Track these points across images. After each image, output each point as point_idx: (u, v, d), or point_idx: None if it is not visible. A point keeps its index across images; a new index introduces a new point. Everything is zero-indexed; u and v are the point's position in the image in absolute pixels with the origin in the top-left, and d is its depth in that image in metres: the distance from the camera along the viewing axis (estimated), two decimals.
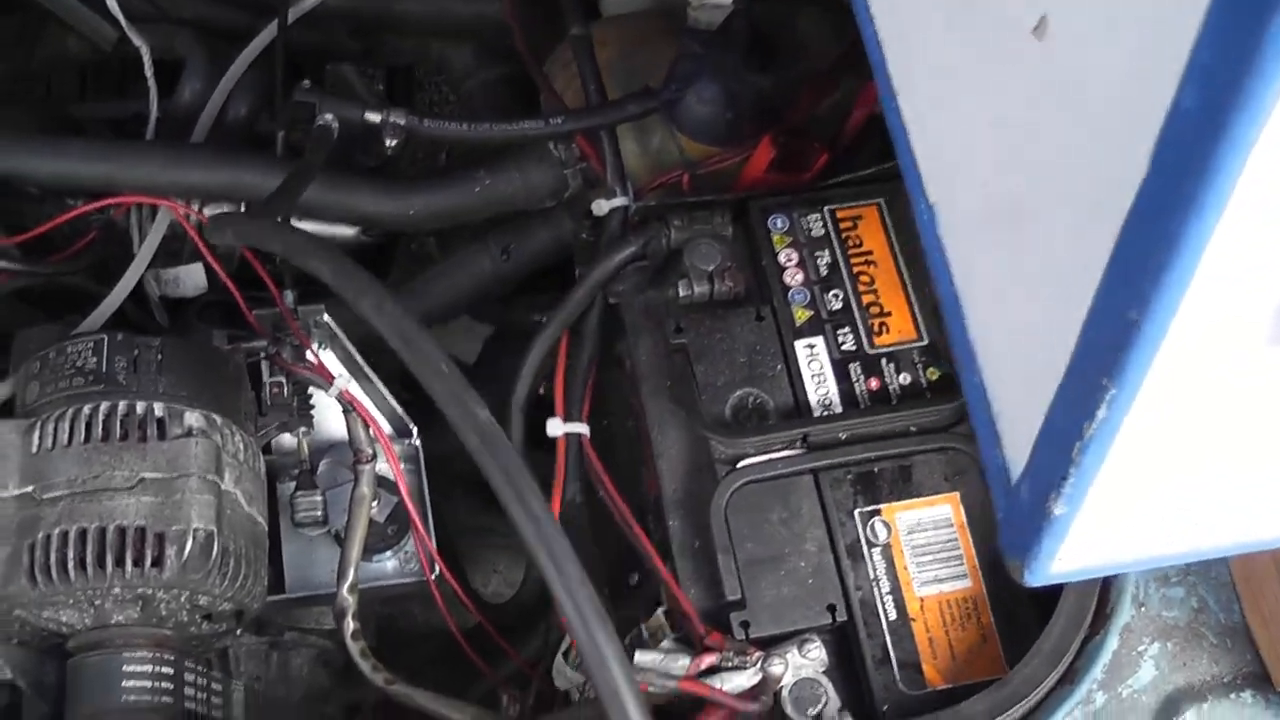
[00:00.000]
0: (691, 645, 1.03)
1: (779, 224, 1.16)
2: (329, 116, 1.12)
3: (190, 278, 1.38)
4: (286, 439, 1.24)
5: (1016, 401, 0.64)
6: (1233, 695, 0.94)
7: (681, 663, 1.00)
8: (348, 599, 1.14)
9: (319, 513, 1.18)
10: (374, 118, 1.13)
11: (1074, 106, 0.55)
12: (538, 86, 1.35)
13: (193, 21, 1.39)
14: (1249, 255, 0.49)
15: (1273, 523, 0.64)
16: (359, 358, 1.24)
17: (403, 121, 1.12)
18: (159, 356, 1.10)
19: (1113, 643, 0.95)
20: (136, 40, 1.31)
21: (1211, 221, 0.48)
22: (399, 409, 1.26)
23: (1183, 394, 0.54)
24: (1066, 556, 0.63)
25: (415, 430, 1.26)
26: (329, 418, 1.24)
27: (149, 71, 1.32)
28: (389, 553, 1.24)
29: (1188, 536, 0.64)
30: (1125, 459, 0.57)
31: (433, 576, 1.21)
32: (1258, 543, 0.68)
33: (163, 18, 1.38)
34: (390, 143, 1.13)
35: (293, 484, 1.21)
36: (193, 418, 1.08)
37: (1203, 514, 0.62)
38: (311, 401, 1.21)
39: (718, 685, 0.99)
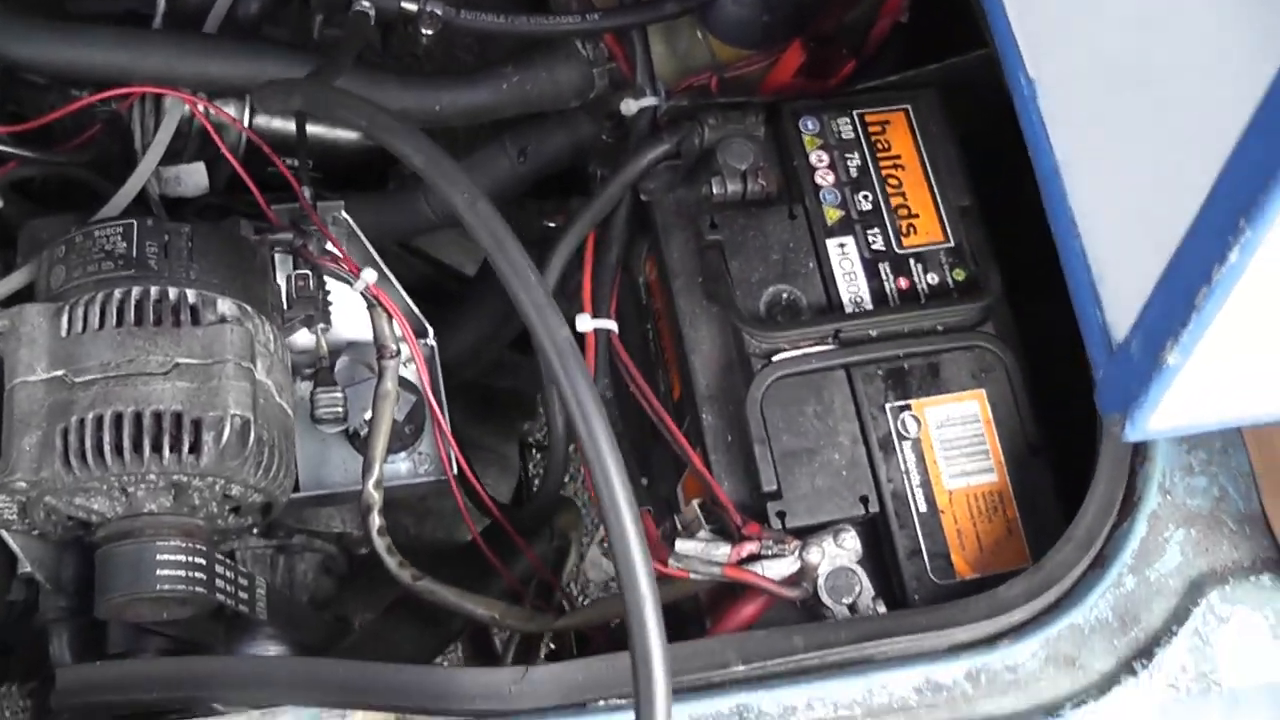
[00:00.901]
0: (728, 536, 1.05)
1: (810, 126, 1.18)
2: (366, 3, 1.10)
3: (191, 176, 1.35)
4: (298, 337, 1.23)
5: (1127, 260, 0.66)
6: (1252, 579, 0.98)
7: (723, 550, 1.02)
8: (373, 494, 1.14)
9: (340, 409, 1.18)
10: (410, 6, 1.12)
11: None
12: None
13: None
14: None
15: None
16: (376, 255, 1.24)
17: (439, 11, 1.12)
18: (189, 243, 1.09)
19: (1140, 529, 0.99)
20: None
21: None
22: (415, 308, 1.25)
23: None
24: (1168, 411, 0.65)
25: (431, 330, 1.26)
26: (340, 317, 1.23)
27: None
28: (404, 454, 1.24)
29: None
30: (1246, 306, 0.59)
31: (453, 474, 1.21)
32: None
33: None
34: (426, 33, 1.12)
35: (306, 382, 1.20)
36: (225, 305, 1.07)
37: None
38: (330, 297, 1.20)
39: (759, 572, 1.01)
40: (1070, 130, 0.69)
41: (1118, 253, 0.67)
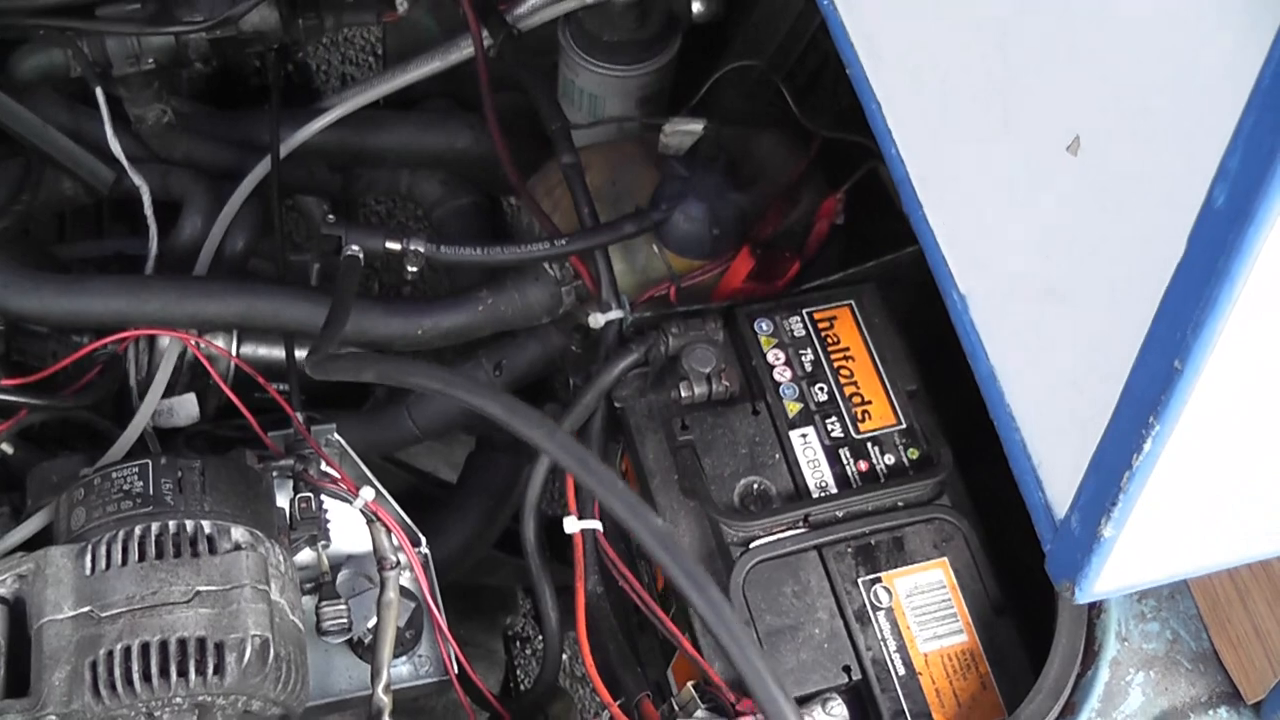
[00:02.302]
0: (723, 713, 1.12)
1: (764, 327, 1.29)
2: (355, 248, 1.21)
3: (183, 408, 1.44)
4: (301, 555, 1.30)
5: (1059, 449, 0.77)
6: (1210, 712, 1.07)
7: None
8: (383, 699, 1.20)
9: (345, 620, 1.24)
10: (394, 246, 1.22)
11: (1110, 206, 0.68)
12: (513, 211, 1.46)
13: (182, 161, 1.47)
14: (1270, 311, 0.63)
15: None
16: (368, 471, 1.32)
17: (422, 249, 1.22)
18: (201, 477, 1.16)
19: (1104, 675, 1.07)
20: (138, 180, 1.39)
21: (1240, 285, 0.62)
22: (407, 519, 1.33)
23: (1216, 425, 0.67)
24: (1111, 575, 0.75)
25: (424, 539, 1.34)
26: (337, 532, 1.31)
27: (148, 210, 1.40)
28: (404, 658, 1.30)
29: (1220, 548, 0.77)
30: (1164, 482, 0.70)
31: (455, 675, 1.28)
32: None
33: (154, 158, 1.46)
34: (411, 269, 1.23)
35: (308, 596, 1.27)
36: (238, 533, 1.14)
37: (1233, 527, 0.75)
38: (328, 516, 1.28)
39: None
40: (1000, 339, 0.80)
41: (1052, 444, 0.78)
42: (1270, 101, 0.55)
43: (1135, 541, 0.73)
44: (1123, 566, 0.75)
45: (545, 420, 0.92)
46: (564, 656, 1.51)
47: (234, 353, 1.42)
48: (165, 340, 1.34)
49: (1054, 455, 0.78)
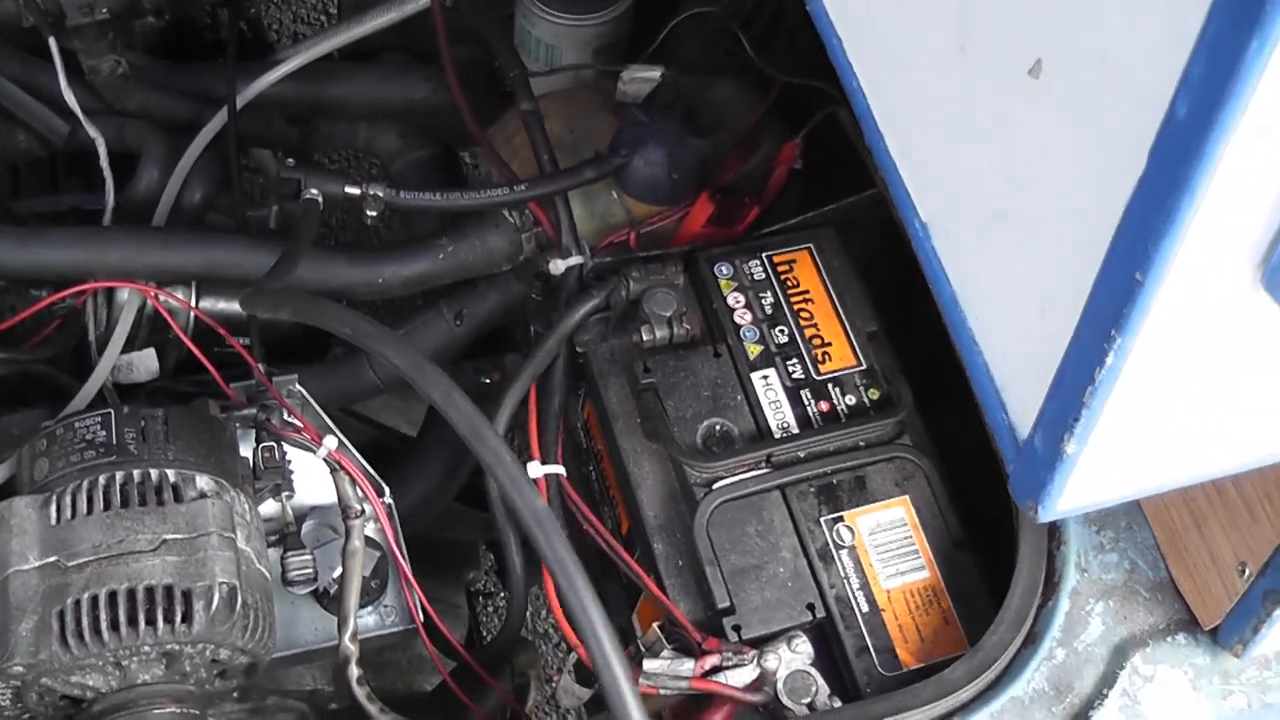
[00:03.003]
0: (689, 652, 1.13)
1: (724, 270, 1.30)
2: (314, 191, 1.20)
3: (143, 362, 1.43)
4: (265, 505, 1.30)
5: (1021, 369, 0.78)
6: (1169, 639, 1.09)
7: (687, 666, 1.11)
8: (350, 647, 1.21)
9: (310, 570, 1.24)
10: (354, 190, 1.22)
11: (1071, 126, 0.69)
12: (471, 164, 1.46)
13: (137, 113, 1.46)
14: (1229, 220, 0.64)
15: (1255, 447, 0.79)
16: (329, 422, 1.32)
17: (381, 194, 1.22)
18: (165, 426, 1.16)
19: (1064, 605, 1.10)
20: (93, 132, 1.37)
21: (1200, 197, 0.63)
22: (370, 470, 1.33)
23: (1174, 336, 0.69)
24: (1073, 492, 0.76)
25: (388, 489, 1.34)
26: (301, 482, 1.30)
27: (104, 162, 1.38)
28: (369, 608, 1.30)
29: (1179, 465, 0.78)
30: (1125, 397, 0.71)
31: (421, 624, 1.28)
32: (1240, 466, 0.82)
33: (109, 110, 1.44)
34: (371, 214, 1.23)
35: (273, 549, 1.27)
36: (203, 481, 1.14)
37: (1191, 443, 0.77)
38: (291, 467, 1.28)
39: (723, 682, 1.10)
40: (961, 264, 0.81)
41: (1015, 364, 0.79)
42: (1231, 6, 0.56)
43: (1097, 458, 0.75)
44: (1085, 484, 0.77)
45: (446, 379, 0.94)
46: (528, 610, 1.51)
47: (194, 305, 1.41)
48: (124, 293, 1.33)
49: (1017, 376, 0.79)
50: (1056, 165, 0.72)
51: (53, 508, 1.09)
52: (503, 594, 2.09)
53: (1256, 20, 0.56)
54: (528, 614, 1.87)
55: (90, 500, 1.09)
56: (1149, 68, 0.63)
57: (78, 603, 1.05)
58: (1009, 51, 0.73)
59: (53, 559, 1.07)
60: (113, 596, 1.05)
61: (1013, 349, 0.79)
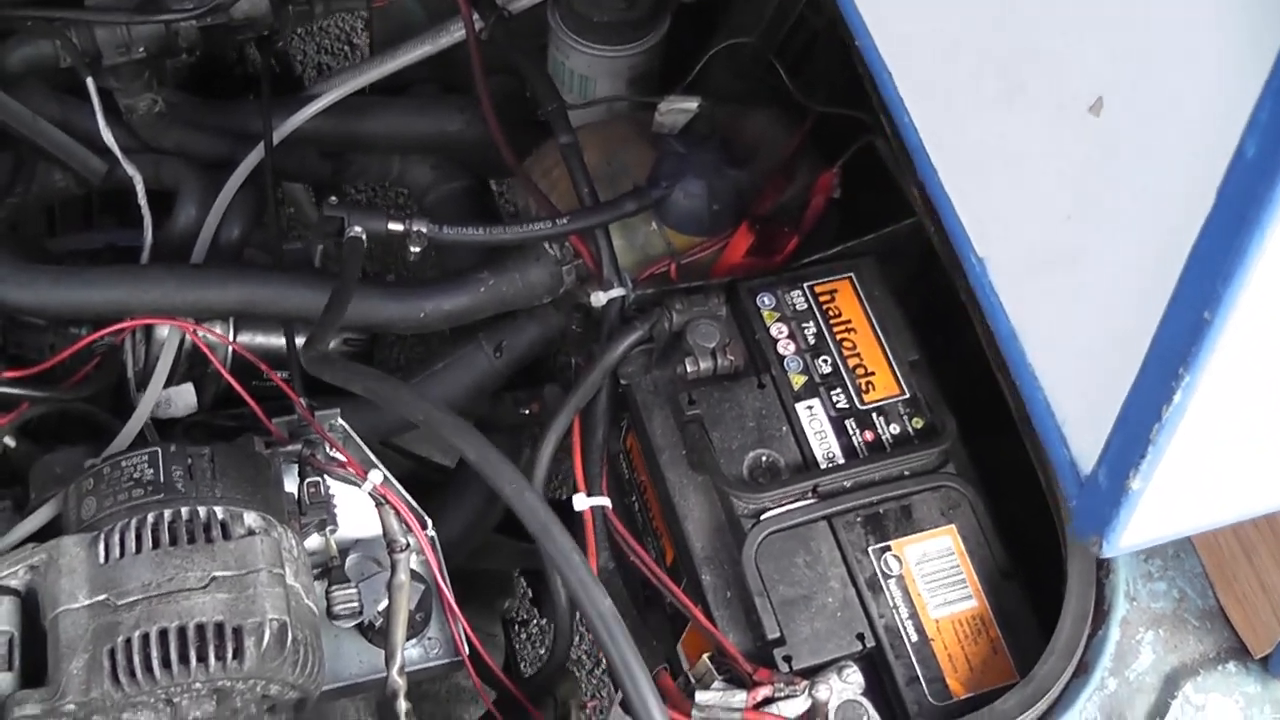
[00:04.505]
0: (740, 683, 1.13)
1: (766, 301, 1.30)
2: (358, 229, 1.21)
3: (181, 398, 1.44)
4: (309, 540, 1.30)
5: (1084, 405, 0.78)
6: (1219, 668, 1.09)
7: (739, 698, 1.10)
8: (398, 680, 1.21)
9: (356, 604, 1.24)
10: (397, 227, 1.22)
11: (1134, 164, 0.70)
12: (504, 195, 1.46)
13: (174, 150, 1.47)
14: None
15: None
16: (373, 456, 1.32)
17: (425, 229, 1.22)
18: (211, 464, 1.16)
19: (1115, 634, 1.09)
20: (130, 170, 1.38)
21: (1268, 235, 0.63)
22: (414, 502, 1.33)
23: (1240, 373, 0.69)
24: (1136, 529, 0.76)
25: (430, 522, 1.34)
26: (344, 516, 1.31)
27: (142, 200, 1.39)
28: (413, 641, 1.30)
29: (1240, 500, 0.78)
30: (1191, 434, 0.71)
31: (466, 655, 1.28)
32: None
33: (145, 148, 1.45)
34: (415, 249, 1.23)
35: (317, 582, 1.27)
36: (251, 518, 1.14)
37: (1253, 478, 0.77)
38: (335, 500, 1.28)
39: (776, 713, 1.09)
40: (1021, 299, 0.81)
41: (1076, 400, 0.79)
42: None
43: (1161, 494, 0.75)
44: (1148, 519, 0.76)
45: (515, 474, 0.99)
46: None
47: (232, 340, 1.41)
48: (164, 330, 1.34)
49: (1079, 411, 0.79)
50: (1120, 202, 0.72)
51: (101, 546, 1.10)
52: (536, 621, 2.09)
53: None
54: None
55: (139, 538, 1.10)
56: (1216, 108, 0.63)
57: (129, 641, 1.05)
58: (1069, 88, 0.74)
59: (102, 597, 1.08)
60: (163, 634, 1.05)
61: (1075, 385, 0.79)
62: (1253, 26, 0.60)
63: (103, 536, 1.10)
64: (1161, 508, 0.76)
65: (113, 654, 1.05)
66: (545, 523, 0.98)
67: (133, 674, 1.04)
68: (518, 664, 1.86)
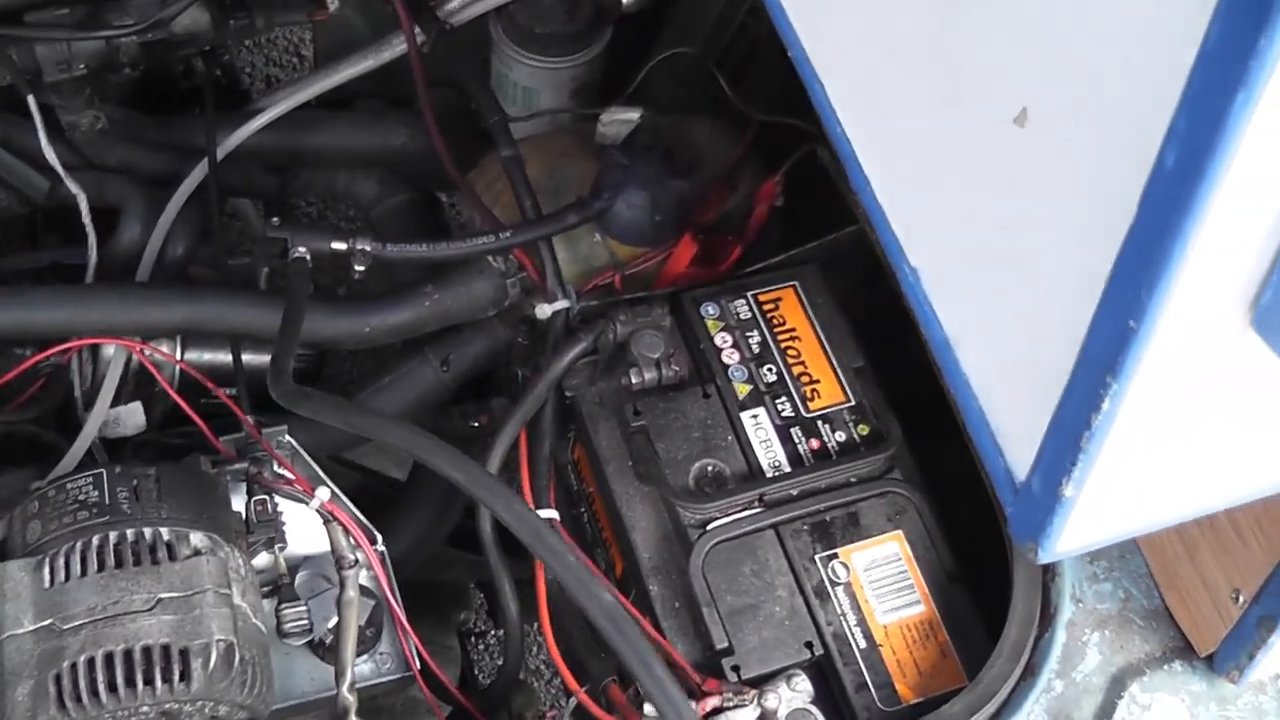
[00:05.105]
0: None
1: (710, 311, 1.30)
2: (301, 249, 1.20)
3: (130, 417, 1.42)
4: (258, 558, 1.30)
5: (1017, 414, 0.79)
6: (1165, 667, 1.10)
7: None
8: (348, 698, 1.20)
9: (306, 621, 1.24)
10: (340, 246, 1.22)
11: (1059, 174, 0.70)
12: (455, 207, 1.46)
13: (117, 167, 1.46)
14: (1219, 265, 0.65)
15: (1248, 482, 0.80)
16: (320, 472, 1.32)
17: (369, 248, 1.22)
18: (157, 484, 1.15)
19: (1061, 636, 1.10)
20: (74, 188, 1.37)
21: (1190, 244, 0.64)
22: (362, 518, 1.33)
23: (1168, 380, 0.70)
24: (1072, 534, 0.77)
25: (380, 537, 1.33)
26: (293, 533, 1.30)
27: (86, 218, 1.38)
28: (365, 657, 1.30)
29: (1174, 503, 0.79)
30: (1121, 440, 0.72)
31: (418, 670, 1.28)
32: (1234, 500, 0.84)
33: (88, 165, 1.44)
34: (359, 268, 1.23)
35: (267, 600, 1.26)
36: (197, 538, 1.13)
37: (1186, 481, 0.78)
38: (283, 518, 1.27)
39: None
40: (954, 309, 0.82)
41: (1010, 409, 0.80)
42: (1217, 60, 0.57)
43: (1095, 500, 0.76)
44: (1083, 525, 0.77)
45: (507, 492, 1.03)
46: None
47: (179, 359, 1.40)
48: (110, 349, 1.33)
49: (1012, 420, 0.80)
50: (1047, 213, 0.73)
51: (46, 570, 1.09)
52: (493, 633, 2.09)
53: (1241, 75, 0.57)
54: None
55: (84, 561, 1.09)
56: (1136, 118, 0.64)
57: (74, 666, 1.04)
58: (995, 99, 0.74)
59: (47, 622, 1.07)
60: (109, 658, 1.05)
61: (1008, 394, 0.80)
62: (1168, 37, 0.61)
63: (48, 560, 1.09)
64: (1096, 513, 0.77)
65: (58, 679, 1.04)
66: (540, 532, 1.02)
67: (79, 699, 1.03)
68: (475, 676, 1.85)
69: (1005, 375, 0.80)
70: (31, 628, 1.07)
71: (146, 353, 1.33)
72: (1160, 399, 0.71)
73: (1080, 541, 0.79)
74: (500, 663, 2.07)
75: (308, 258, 1.22)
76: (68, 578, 1.08)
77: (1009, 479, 0.80)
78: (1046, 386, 0.74)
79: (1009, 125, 0.73)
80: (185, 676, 1.06)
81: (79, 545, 1.10)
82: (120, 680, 1.04)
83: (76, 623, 1.06)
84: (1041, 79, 0.72)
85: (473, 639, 2.01)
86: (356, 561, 1.25)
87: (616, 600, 0.96)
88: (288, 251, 1.21)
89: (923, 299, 0.84)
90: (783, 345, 1.29)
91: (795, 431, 1.25)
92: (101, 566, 1.09)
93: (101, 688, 1.04)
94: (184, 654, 1.06)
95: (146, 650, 1.06)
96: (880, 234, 0.87)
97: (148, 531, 1.12)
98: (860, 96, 0.89)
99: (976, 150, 0.77)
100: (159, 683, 1.05)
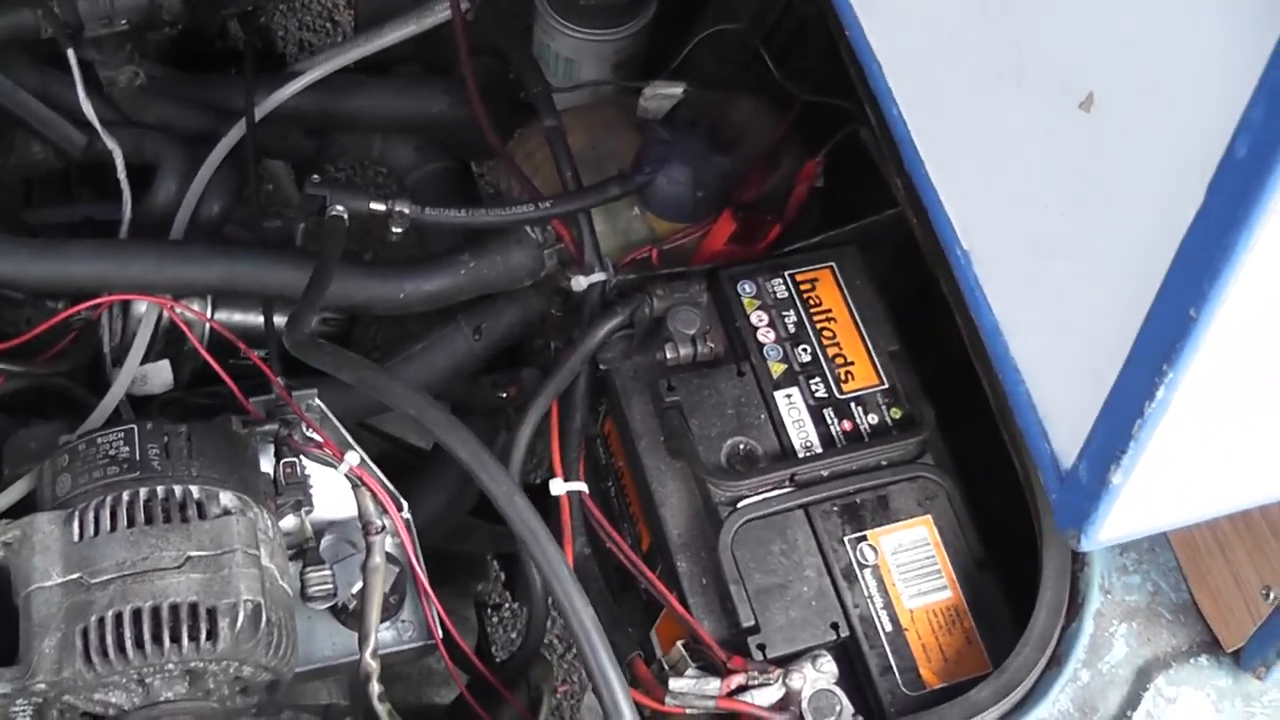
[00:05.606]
0: (714, 671, 1.13)
1: (747, 289, 1.30)
2: (339, 208, 1.20)
3: (158, 375, 1.42)
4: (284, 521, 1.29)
5: (1066, 399, 0.78)
6: (1191, 661, 1.10)
7: (713, 685, 1.11)
8: (371, 663, 1.20)
9: (330, 586, 1.24)
10: (379, 207, 1.22)
11: (1123, 160, 0.70)
12: (484, 177, 1.45)
13: (155, 124, 1.45)
14: None
15: None
16: (349, 437, 1.31)
17: (407, 210, 1.22)
18: (188, 442, 1.15)
19: (1089, 627, 1.10)
20: (110, 143, 1.37)
21: (1256, 235, 0.63)
22: (390, 485, 1.33)
23: (1224, 370, 0.69)
24: (1115, 522, 0.77)
25: (405, 504, 1.33)
26: (319, 497, 1.30)
27: (122, 174, 1.38)
28: (387, 624, 1.30)
29: (1219, 495, 0.79)
30: (1173, 430, 0.71)
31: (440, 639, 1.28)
32: (1276, 495, 0.83)
33: (126, 122, 1.44)
34: (396, 230, 1.22)
35: (292, 563, 1.26)
36: (227, 498, 1.13)
37: (1233, 474, 0.77)
38: (311, 481, 1.27)
39: (749, 701, 1.10)
40: (1005, 293, 0.82)
41: (1059, 395, 0.79)
42: None
43: (1142, 489, 0.75)
44: (1128, 514, 0.77)
45: (507, 478, 1.01)
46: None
47: (210, 318, 1.40)
48: (142, 306, 1.32)
49: (1061, 405, 0.80)
50: (1108, 198, 0.72)
51: (75, 524, 1.09)
52: (509, 605, 2.09)
53: None
54: None
55: (114, 517, 1.09)
56: (1208, 106, 0.63)
57: (101, 620, 1.04)
58: (1060, 84, 0.74)
59: (76, 576, 1.07)
60: (137, 614, 1.05)
61: (1058, 380, 0.80)
62: (1247, 25, 0.60)
63: (77, 514, 1.09)
64: (1141, 503, 0.76)
65: (85, 633, 1.04)
66: (534, 529, 1.00)
67: (105, 654, 1.03)
68: (489, 648, 1.85)
69: (1056, 361, 0.79)
70: (60, 580, 1.07)
71: (178, 310, 1.33)
72: (1214, 390, 0.70)
73: (1123, 530, 0.78)
74: (515, 636, 2.08)
75: (345, 216, 1.21)
76: (97, 532, 1.08)
77: (1054, 465, 0.80)
78: (1099, 374, 0.74)
79: (1074, 110, 0.72)
80: (212, 635, 1.06)
81: (109, 500, 1.10)
82: (147, 636, 1.04)
83: (105, 577, 1.06)
84: (1110, 65, 0.71)
85: (488, 611, 2.01)
86: (383, 528, 1.25)
87: (596, 617, 0.99)
88: (325, 209, 1.21)
89: (973, 283, 0.83)
90: (818, 326, 1.28)
91: (828, 412, 1.24)
92: (131, 522, 1.09)
93: (129, 643, 1.04)
94: (211, 613, 1.06)
95: (174, 608, 1.06)
96: (933, 216, 0.86)
97: (178, 489, 1.12)
98: (919, 78, 0.88)
99: (1039, 134, 0.76)
100: (185, 641, 1.05)
